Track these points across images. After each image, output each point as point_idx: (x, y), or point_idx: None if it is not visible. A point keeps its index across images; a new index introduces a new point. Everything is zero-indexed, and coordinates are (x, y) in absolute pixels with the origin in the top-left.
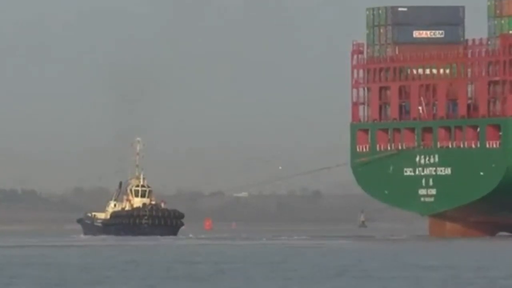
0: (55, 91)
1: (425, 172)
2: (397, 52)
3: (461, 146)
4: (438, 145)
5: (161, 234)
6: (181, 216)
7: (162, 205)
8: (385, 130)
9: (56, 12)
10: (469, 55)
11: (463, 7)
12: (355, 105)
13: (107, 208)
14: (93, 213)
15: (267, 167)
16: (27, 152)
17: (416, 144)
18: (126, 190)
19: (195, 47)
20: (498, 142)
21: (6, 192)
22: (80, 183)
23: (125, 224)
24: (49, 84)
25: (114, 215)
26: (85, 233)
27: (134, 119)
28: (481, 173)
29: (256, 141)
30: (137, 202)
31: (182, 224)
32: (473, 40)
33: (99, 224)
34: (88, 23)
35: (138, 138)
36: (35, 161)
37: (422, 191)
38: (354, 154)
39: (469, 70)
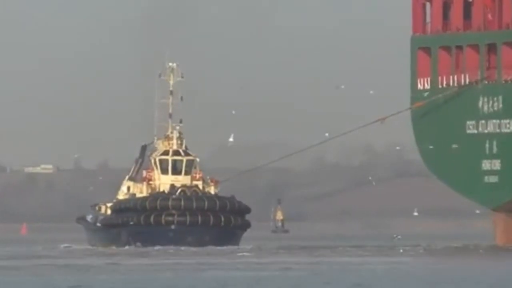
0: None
1: (488, 127)
2: None
3: None
4: (503, 79)
5: (207, 244)
6: (247, 210)
7: (212, 188)
8: (448, 49)
9: None
10: None
11: None
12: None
13: (118, 194)
14: (100, 205)
15: None
16: None
17: (479, 75)
18: (150, 160)
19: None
20: None
21: None
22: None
23: (135, 225)
24: None
25: (118, 207)
26: (89, 240)
27: None
28: None
29: None
30: (165, 182)
31: (249, 226)
32: None
33: (99, 225)
34: None
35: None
36: None
37: (485, 164)
38: (414, 91)
39: None
